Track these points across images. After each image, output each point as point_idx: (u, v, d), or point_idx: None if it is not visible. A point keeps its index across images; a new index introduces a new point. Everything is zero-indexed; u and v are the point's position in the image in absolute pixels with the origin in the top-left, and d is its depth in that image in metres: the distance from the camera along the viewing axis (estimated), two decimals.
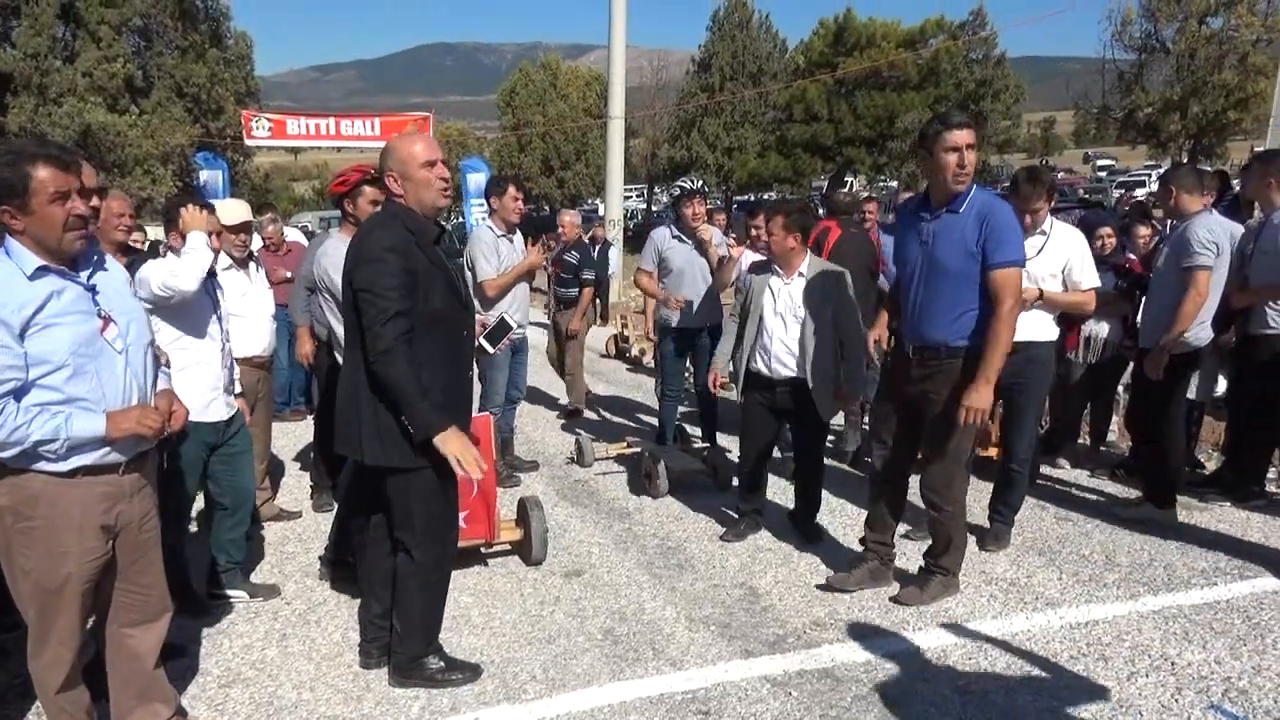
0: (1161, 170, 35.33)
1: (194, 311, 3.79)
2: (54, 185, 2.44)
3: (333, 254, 4.37)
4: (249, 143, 22.83)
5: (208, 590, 4.11)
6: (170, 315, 3.72)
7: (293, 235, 9.46)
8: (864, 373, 4.96)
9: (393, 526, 3.33)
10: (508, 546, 4.72)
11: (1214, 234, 4.66)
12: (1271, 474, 5.53)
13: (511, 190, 5.73)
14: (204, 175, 19.98)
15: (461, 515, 4.39)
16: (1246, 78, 26.82)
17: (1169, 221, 5.16)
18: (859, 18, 33.95)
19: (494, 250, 5.60)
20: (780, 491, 5.70)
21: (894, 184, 34.71)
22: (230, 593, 4.17)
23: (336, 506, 4.69)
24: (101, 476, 2.59)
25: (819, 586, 4.20)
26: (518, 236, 5.87)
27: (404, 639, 3.37)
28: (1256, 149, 8.30)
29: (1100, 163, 59.54)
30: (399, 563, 3.35)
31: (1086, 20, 31.34)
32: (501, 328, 3.37)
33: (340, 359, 4.42)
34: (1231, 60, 27.23)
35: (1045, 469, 5.89)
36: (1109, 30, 29.56)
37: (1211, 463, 6.03)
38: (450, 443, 3.01)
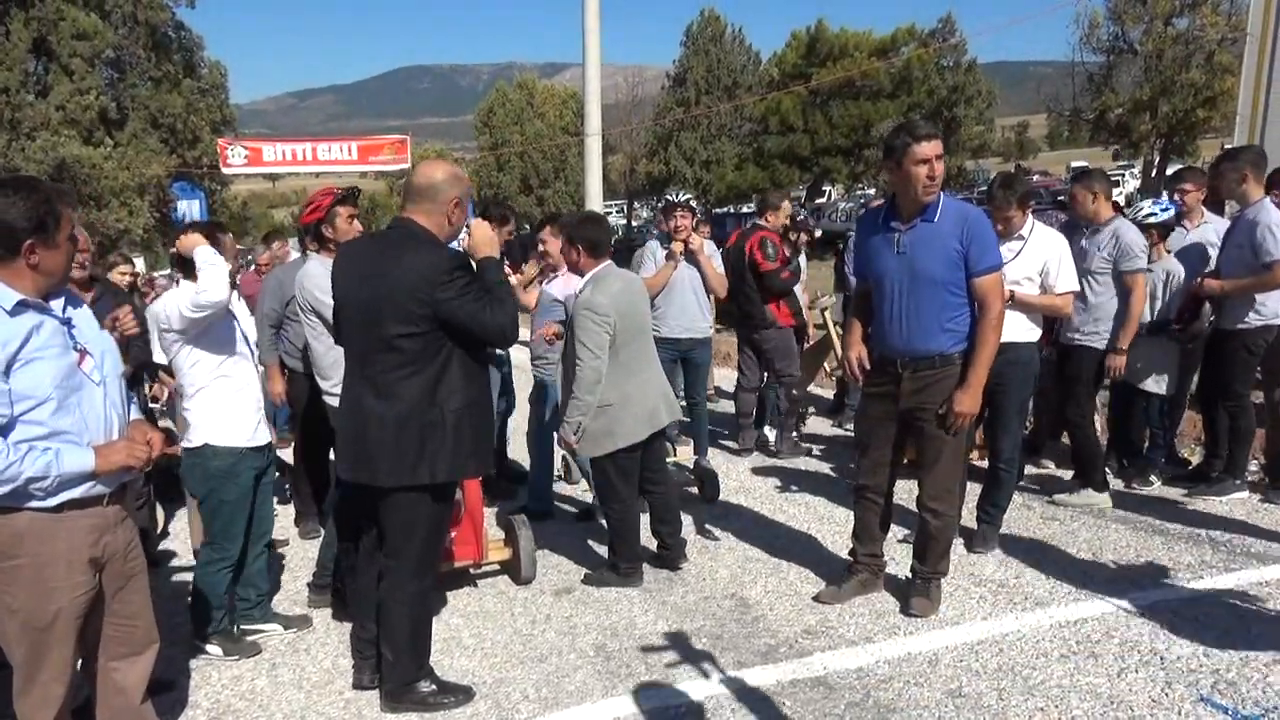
0: (1134, 169, 35.86)
1: (226, 336, 3.76)
2: (71, 224, 2.57)
3: (312, 279, 4.32)
4: (225, 171, 22.83)
5: (237, 627, 3.99)
6: (207, 343, 3.68)
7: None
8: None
9: (384, 552, 3.32)
10: (497, 566, 4.70)
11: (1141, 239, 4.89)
12: (1253, 466, 5.59)
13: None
14: (181, 205, 20.00)
15: (449, 536, 4.41)
16: (1214, 76, 27.22)
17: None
18: (831, 28, 34.29)
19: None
20: (767, 500, 5.71)
21: (871, 191, 34.94)
22: (264, 627, 4.08)
23: (323, 532, 4.67)
24: (88, 510, 2.58)
25: (813, 599, 4.20)
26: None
27: (395, 664, 3.35)
28: (1226, 145, 8.42)
29: (1074, 164, 60.17)
30: (384, 589, 3.33)
31: (1055, 24, 31.80)
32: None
33: (323, 385, 4.42)
34: (1198, 59, 27.64)
35: (1030, 469, 5.93)
36: (1077, 33, 29.99)
37: (1195, 457, 6.08)
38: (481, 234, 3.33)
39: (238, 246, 6.99)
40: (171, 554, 5.35)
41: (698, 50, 37.34)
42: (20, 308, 2.47)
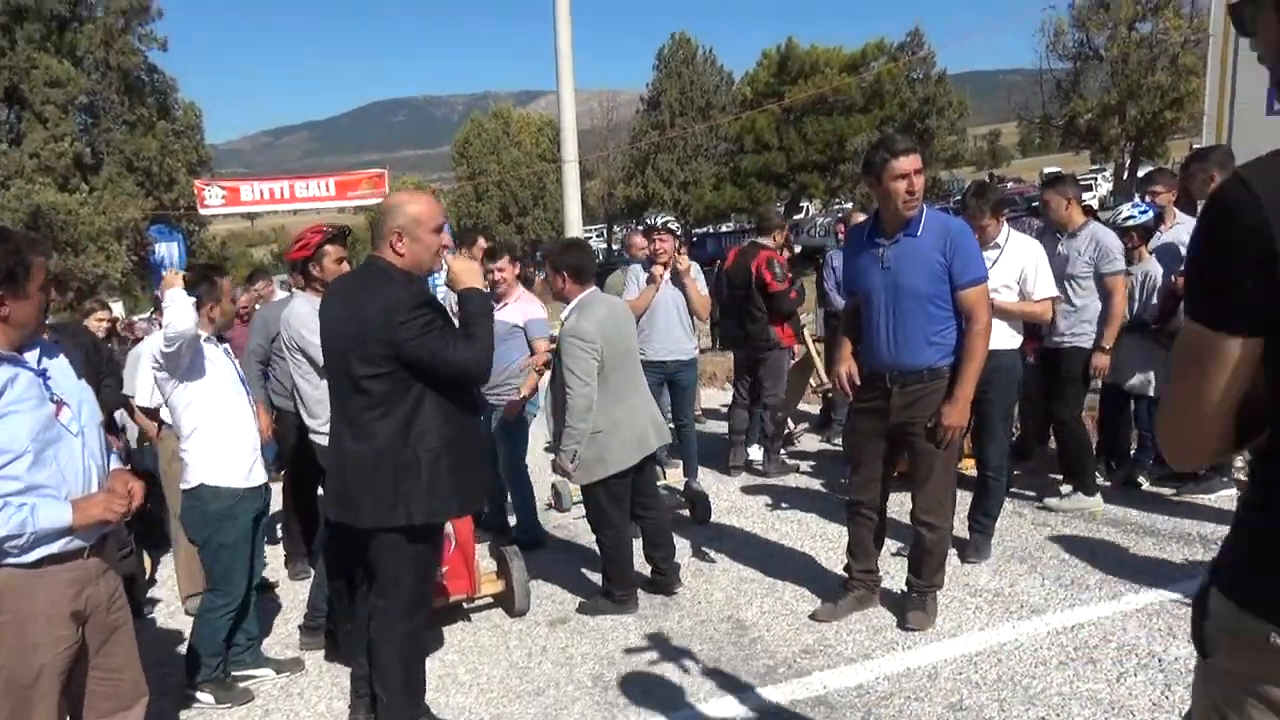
0: (1106, 173, 36.30)
1: (220, 376, 3.77)
2: (44, 274, 2.52)
3: (299, 317, 4.28)
4: (203, 212, 22.76)
5: (227, 672, 3.93)
6: (200, 384, 3.69)
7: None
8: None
9: (373, 591, 3.28)
10: (490, 599, 4.66)
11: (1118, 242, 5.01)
12: (1239, 462, 5.62)
13: (480, 243, 5.95)
14: (159, 248, 19.84)
15: (441, 571, 4.37)
16: (1179, 78, 27.66)
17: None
18: (801, 46, 34.69)
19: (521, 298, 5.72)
20: (759, 519, 5.70)
21: (849, 205, 35.17)
22: (256, 673, 4.02)
23: (313, 573, 4.62)
24: (67, 564, 2.53)
25: (810, 617, 4.18)
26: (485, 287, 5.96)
27: (389, 705, 3.30)
28: (1195, 146, 8.53)
29: (1048, 170, 60.82)
30: (374, 629, 3.29)
31: (1022, 33, 32.29)
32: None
33: (311, 424, 4.38)
34: (1163, 62, 28.10)
35: (1019, 475, 5.94)
36: (1043, 41, 30.43)
37: None
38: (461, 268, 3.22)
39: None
40: (157, 601, 5.28)
41: (670, 73, 37.65)
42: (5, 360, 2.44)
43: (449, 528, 4.35)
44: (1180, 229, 5.62)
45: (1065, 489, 5.42)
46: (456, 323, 3.19)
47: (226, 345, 3.97)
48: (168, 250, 19.55)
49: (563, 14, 17.15)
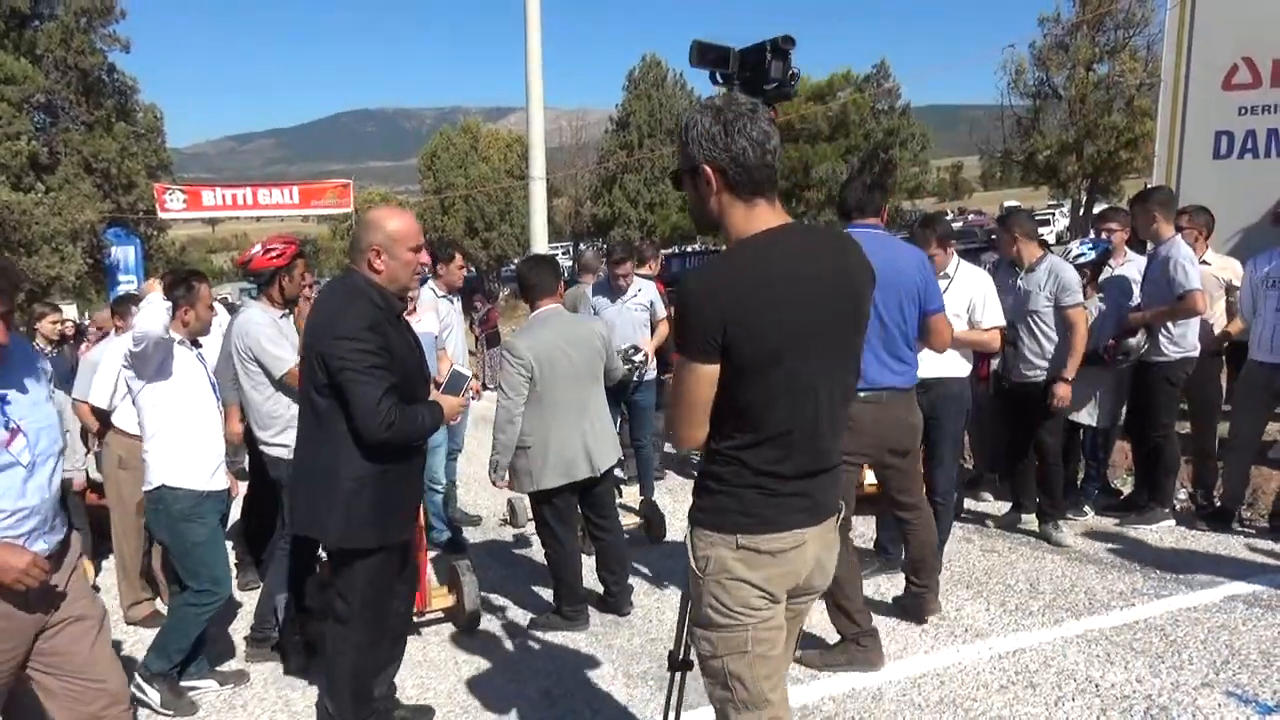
0: (1064, 208, 37.14)
1: (187, 379, 3.77)
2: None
3: (258, 326, 4.25)
4: (163, 216, 22.44)
5: (181, 674, 3.89)
6: (166, 386, 3.70)
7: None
8: None
9: (330, 599, 3.27)
10: (440, 613, 4.63)
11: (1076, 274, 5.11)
12: (1181, 495, 5.78)
13: (458, 259, 6.19)
14: (116, 251, 19.58)
15: None
16: (1135, 119, 28.41)
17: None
18: None
19: (434, 310, 5.79)
20: None
21: None
22: (199, 684, 3.97)
23: (262, 584, 4.57)
24: None
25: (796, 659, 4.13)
26: (457, 299, 6.34)
27: (335, 715, 3.27)
28: (1148, 185, 8.80)
29: (1007, 203, 62.04)
30: (331, 635, 3.26)
31: (985, 69, 32.97)
32: (457, 380, 3.34)
33: (261, 435, 4.34)
34: (1119, 104, 28.87)
35: (969, 503, 6.05)
36: (1005, 79, 31.12)
37: (1126, 487, 6.26)
38: (449, 405, 3.27)
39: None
40: None
41: (640, 94, 37.90)
42: None
43: None
44: (1130, 265, 5.79)
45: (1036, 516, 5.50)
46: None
47: (200, 351, 3.94)
48: (124, 254, 19.31)
49: (533, 31, 17.22)
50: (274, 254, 4.35)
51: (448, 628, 4.57)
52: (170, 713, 3.78)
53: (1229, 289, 5.61)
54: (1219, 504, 5.52)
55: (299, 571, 4.41)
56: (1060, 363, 5.10)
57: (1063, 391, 5.11)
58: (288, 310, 4.37)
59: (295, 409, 4.25)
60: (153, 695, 3.79)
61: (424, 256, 3.20)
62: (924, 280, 3.87)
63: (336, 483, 3.03)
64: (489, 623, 4.58)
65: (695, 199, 2.10)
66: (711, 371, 2.00)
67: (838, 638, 3.90)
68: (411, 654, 4.26)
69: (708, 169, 2.02)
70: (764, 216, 2.05)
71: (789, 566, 2.10)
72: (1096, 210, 21.10)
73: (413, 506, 3.37)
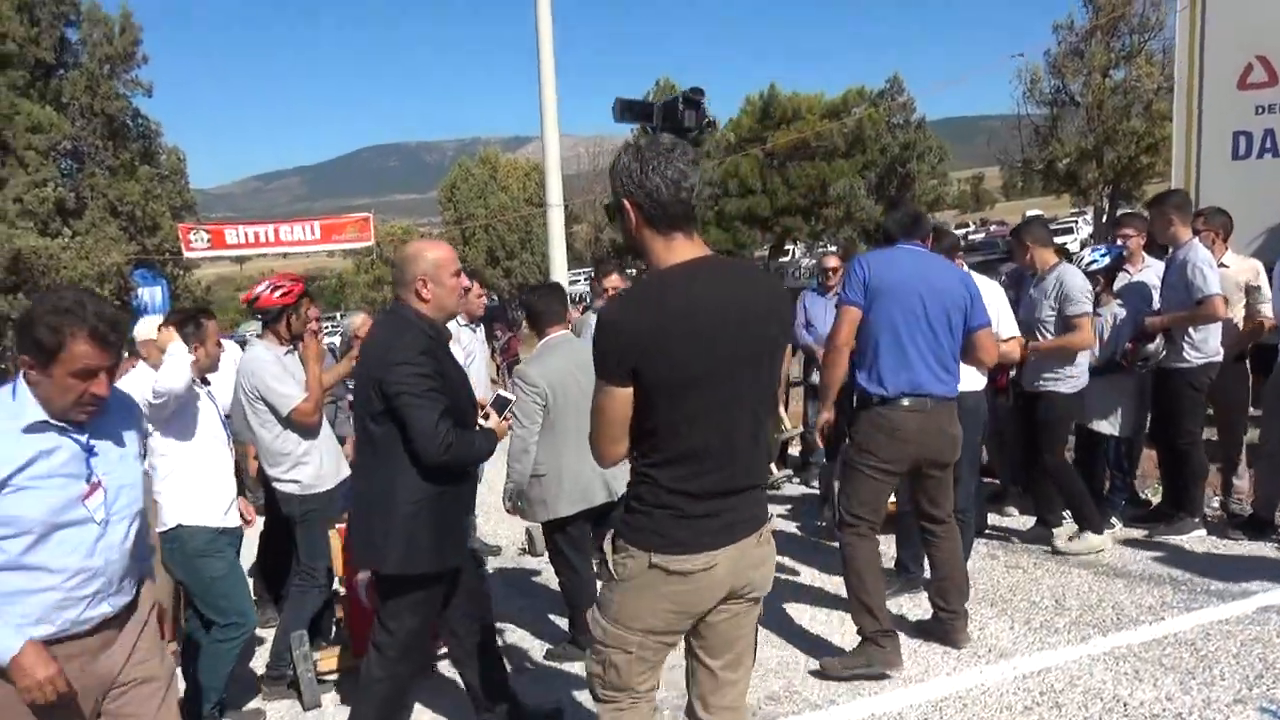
0: (1087, 216, 36.79)
1: (199, 419, 3.78)
2: (84, 362, 2.19)
3: (262, 364, 4.25)
4: (188, 255, 22.82)
5: (223, 712, 3.92)
6: (179, 426, 3.71)
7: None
8: None
9: (374, 629, 3.26)
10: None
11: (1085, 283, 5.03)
12: (1214, 503, 5.63)
13: (477, 288, 6.06)
14: (143, 293, 19.88)
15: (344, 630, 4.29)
16: (1154, 124, 28.17)
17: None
18: (783, 92, 35.18)
19: (456, 339, 5.78)
20: None
21: (833, 249, 35.46)
22: None
23: (279, 620, 4.55)
24: (59, 646, 2.26)
25: (812, 673, 4.03)
26: (479, 328, 6.39)
27: None
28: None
29: (1029, 213, 61.55)
30: (367, 665, 3.24)
31: (999, 79, 32.87)
32: (501, 403, 3.37)
33: (272, 472, 4.34)
34: (1137, 108, 28.62)
35: (994, 518, 5.93)
36: (1020, 88, 30.97)
37: (1156, 497, 6.11)
38: (500, 429, 3.30)
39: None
40: None
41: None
42: (40, 426, 2.22)
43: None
44: (1149, 271, 5.68)
45: (1072, 530, 5.36)
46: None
47: (210, 388, 3.95)
48: (150, 294, 19.61)
49: (546, 60, 17.36)
50: (281, 292, 4.37)
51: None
52: None
53: (1248, 291, 5.47)
54: (1251, 512, 5.38)
55: (315, 607, 4.40)
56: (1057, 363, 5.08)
57: (1020, 355, 5.09)
58: (293, 347, 4.38)
59: (305, 445, 4.27)
60: None
61: (465, 280, 3.31)
62: (969, 296, 3.90)
63: (394, 508, 3.07)
64: (506, 653, 4.53)
65: (623, 230, 2.25)
66: (625, 393, 2.16)
67: (855, 642, 3.91)
68: (426, 682, 4.23)
69: (627, 203, 2.17)
70: (681, 249, 2.18)
71: (695, 586, 2.23)
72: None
73: (464, 532, 3.39)
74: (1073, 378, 5.13)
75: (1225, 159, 8.63)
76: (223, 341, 4.42)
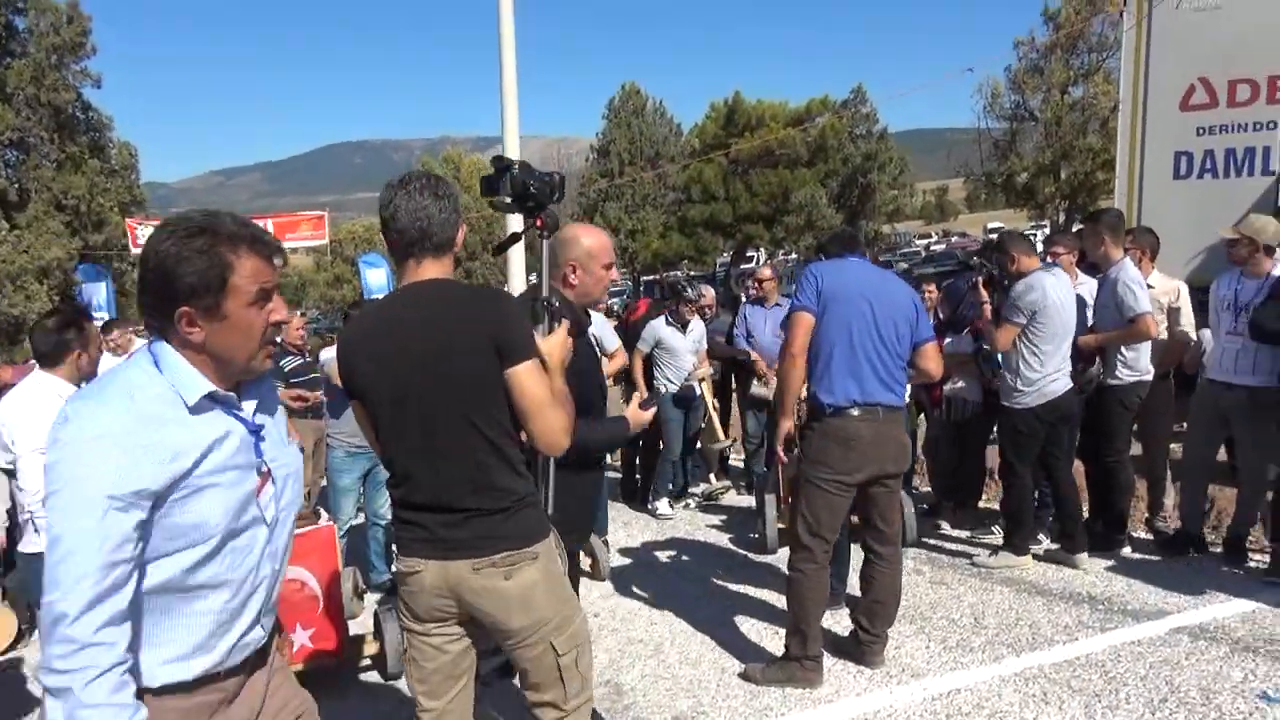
0: (1046, 231, 37.34)
1: None
2: (260, 280, 1.72)
3: None
4: (135, 251, 22.26)
5: None
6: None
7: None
8: None
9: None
10: (368, 661, 4.46)
11: (1024, 295, 4.88)
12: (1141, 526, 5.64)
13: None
14: (86, 289, 19.35)
15: (308, 633, 4.18)
16: (1110, 140, 28.60)
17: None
18: (747, 100, 35.30)
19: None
20: (660, 577, 5.57)
21: (794, 256, 35.65)
22: None
23: None
24: (193, 692, 1.76)
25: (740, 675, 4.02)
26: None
27: None
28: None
29: (990, 225, 62.44)
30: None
31: (962, 93, 33.27)
32: (653, 400, 3.26)
33: None
34: (1094, 125, 29.10)
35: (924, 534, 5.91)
36: (981, 102, 31.37)
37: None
38: (637, 419, 3.16)
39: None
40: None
41: (620, 122, 38.08)
42: (206, 404, 1.71)
43: (312, 582, 4.18)
44: (1083, 288, 5.68)
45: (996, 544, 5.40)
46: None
47: None
48: (93, 291, 19.10)
49: (508, 62, 17.24)
50: None
51: (372, 675, 4.39)
52: None
53: (1169, 311, 5.50)
54: (1174, 528, 5.40)
55: None
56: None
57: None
58: None
59: None
60: None
61: (615, 274, 3.23)
62: (917, 310, 3.93)
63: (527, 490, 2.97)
64: None
65: None
66: (358, 403, 2.41)
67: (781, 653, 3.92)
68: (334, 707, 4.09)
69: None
70: (408, 275, 2.36)
71: (411, 589, 2.38)
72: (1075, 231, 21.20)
73: (585, 523, 3.29)
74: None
75: (1167, 178, 8.73)
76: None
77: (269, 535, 1.82)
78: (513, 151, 18.47)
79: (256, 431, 1.79)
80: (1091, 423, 5.42)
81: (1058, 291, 4.90)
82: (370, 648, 4.42)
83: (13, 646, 5.20)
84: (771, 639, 4.37)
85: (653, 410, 3.22)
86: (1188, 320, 5.51)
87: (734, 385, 7.73)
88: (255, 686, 1.89)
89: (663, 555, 6.04)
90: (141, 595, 1.63)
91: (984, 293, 5.43)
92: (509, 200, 2.67)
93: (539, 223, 2.66)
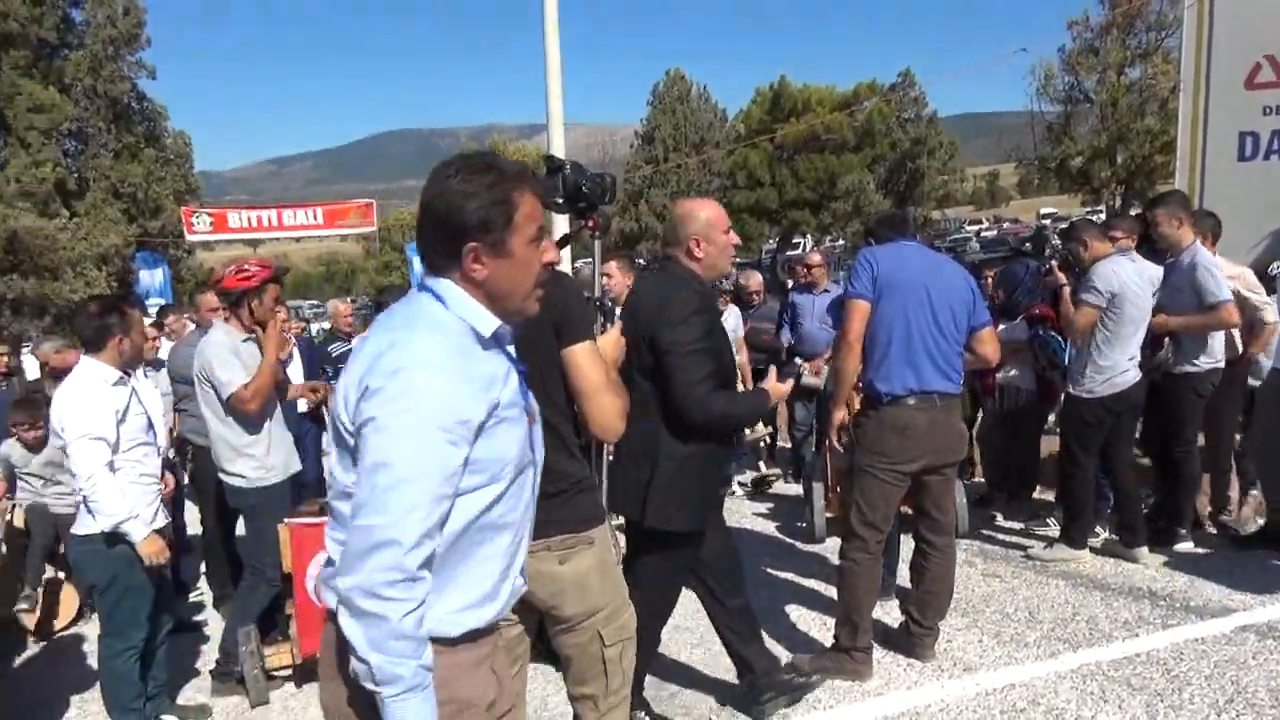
0: (1102, 217, 36.49)
1: (129, 425, 3.60)
2: (538, 219, 1.73)
3: (213, 347, 4.13)
4: (190, 238, 22.72)
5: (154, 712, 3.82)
6: (124, 425, 3.55)
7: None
8: None
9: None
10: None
11: (1104, 278, 4.68)
12: (1225, 517, 5.45)
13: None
14: (144, 275, 19.79)
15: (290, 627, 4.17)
16: (1169, 122, 27.79)
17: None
18: (793, 84, 34.91)
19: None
20: None
21: (841, 242, 35.24)
22: (165, 718, 3.87)
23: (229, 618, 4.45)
24: (481, 641, 1.73)
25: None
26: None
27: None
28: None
29: (1044, 210, 61.16)
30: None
31: (1014, 75, 32.61)
32: (791, 370, 3.38)
33: (220, 464, 4.22)
34: (1152, 107, 28.29)
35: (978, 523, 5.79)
36: (1033, 84, 30.67)
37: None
38: (777, 391, 3.16)
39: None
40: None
41: (665, 108, 37.88)
42: (493, 341, 1.69)
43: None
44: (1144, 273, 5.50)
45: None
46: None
47: (134, 385, 3.80)
48: (151, 277, 19.53)
49: (552, 50, 17.24)
50: (242, 275, 4.25)
51: None
52: None
53: (1238, 297, 5.29)
54: (1248, 524, 5.21)
55: (262, 603, 4.29)
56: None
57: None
58: (252, 335, 4.25)
59: (249, 437, 4.15)
60: None
61: (734, 238, 3.29)
62: (973, 294, 3.82)
63: (656, 463, 3.05)
64: None
65: None
66: None
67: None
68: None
69: None
70: None
71: None
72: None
73: (720, 495, 3.34)
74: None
75: (1231, 160, 8.41)
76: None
77: (534, 476, 1.80)
78: (557, 139, 18.50)
79: (523, 373, 1.78)
80: (1159, 411, 5.24)
81: (1135, 277, 4.74)
82: None
83: (74, 622, 5.34)
84: (820, 629, 4.31)
85: (791, 381, 3.23)
86: (1264, 303, 5.25)
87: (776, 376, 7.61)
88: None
89: None
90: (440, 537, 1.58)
91: (1061, 275, 5.23)
92: (561, 201, 2.65)
93: (590, 223, 2.65)
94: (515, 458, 1.67)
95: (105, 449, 3.46)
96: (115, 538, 3.50)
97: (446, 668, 1.59)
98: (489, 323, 1.67)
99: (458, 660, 1.64)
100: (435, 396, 1.52)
